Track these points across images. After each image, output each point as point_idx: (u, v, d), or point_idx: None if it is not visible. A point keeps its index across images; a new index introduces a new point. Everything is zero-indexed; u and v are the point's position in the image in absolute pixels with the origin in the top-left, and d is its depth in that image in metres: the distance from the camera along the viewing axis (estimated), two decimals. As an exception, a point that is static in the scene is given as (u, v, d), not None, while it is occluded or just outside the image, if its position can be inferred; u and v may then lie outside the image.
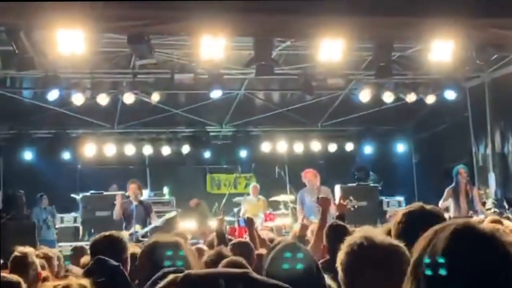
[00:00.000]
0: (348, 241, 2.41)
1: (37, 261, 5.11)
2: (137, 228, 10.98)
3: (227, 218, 13.44)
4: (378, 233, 2.48)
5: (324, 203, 6.73)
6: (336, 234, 4.82)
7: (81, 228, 13.13)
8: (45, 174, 13.79)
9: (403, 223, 2.75)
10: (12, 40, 8.93)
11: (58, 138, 14.04)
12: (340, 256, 2.40)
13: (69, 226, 13.29)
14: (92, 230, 12.11)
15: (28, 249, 4.88)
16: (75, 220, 13.38)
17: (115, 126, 14.29)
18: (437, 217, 2.78)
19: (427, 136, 15.07)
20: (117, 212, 11.22)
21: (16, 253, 4.95)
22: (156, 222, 11.25)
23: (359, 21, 9.19)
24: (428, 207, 2.93)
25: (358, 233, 2.43)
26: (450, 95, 13.15)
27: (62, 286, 2.72)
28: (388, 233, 2.71)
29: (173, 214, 12.20)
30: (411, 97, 13.38)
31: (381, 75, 11.25)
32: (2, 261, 8.04)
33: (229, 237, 9.43)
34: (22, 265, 4.78)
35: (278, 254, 2.75)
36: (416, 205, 2.92)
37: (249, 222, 7.69)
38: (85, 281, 2.82)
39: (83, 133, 14.33)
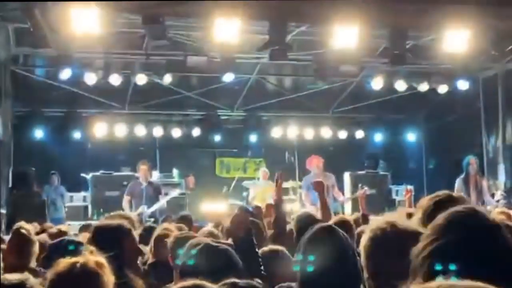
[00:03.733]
0: (371, 226, 2.42)
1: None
2: (144, 208, 11.06)
3: (236, 202, 13.50)
4: (400, 219, 2.48)
5: (318, 186, 6.79)
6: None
7: (90, 207, 13.19)
8: (56, 153, 13.86)
9: (431, 210, 2.74)
10: (27, 18, 8.96)
11: (69, 117, 14.09)
12: (363, 240, 2.41)
13: (78, 205, 13.35)
14: (101, 210, 12.17)
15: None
16: (84, 199, 13.44)
17: (126, 107, 14.31)
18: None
19: (438, 126, 15.01)
20: (125, 201, 11.29)
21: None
22: (161, 202, 11.31)
23: (375, 8, 9.16)
24: (455, 195, 2.93)
25: (381, 219, 2.43)
26: (463, 85, 13.11)
27: (80, 263, 2.72)
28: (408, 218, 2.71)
29: (176, 193, 12.26)
30: (423, 86, 13.35)
31: (395, 63, 11.23)
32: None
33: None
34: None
35: (314, 236, 2.75)
36: (444, 193, 2.92)
37: (257, 211, 7.70)
38: (101, 259, 2.83)
39: (94, 112, 14.36)
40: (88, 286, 2.70)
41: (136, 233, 4.88)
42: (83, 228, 7.97)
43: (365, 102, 14.69)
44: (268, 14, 9.44)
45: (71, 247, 3.55)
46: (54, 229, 6.17)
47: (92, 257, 2.82)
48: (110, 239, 3.55)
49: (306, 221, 5.23)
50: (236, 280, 2.29)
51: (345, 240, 2.81)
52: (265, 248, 4.32)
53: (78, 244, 3.63)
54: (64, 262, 2.73)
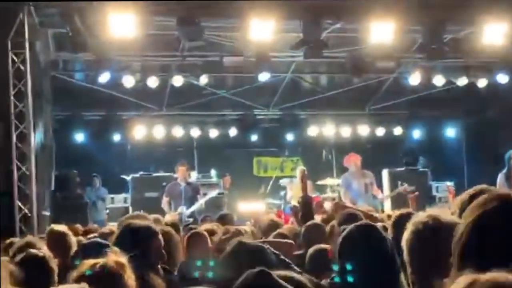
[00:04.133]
0: (413, 220, 2.40)
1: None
2: (183, 208, 11.17)
3: (274, 201, 13.53)
4: (444, 213, 2.46)
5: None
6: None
7: (130, 208, 13.35)
8: (96, 156, 14.08)
9: (466, 205, 2.71)
10: (66, 23, 9.12)
11: (109, 120, 14.28)
12: (405, 235, 2.39)
13: (119, 207, 13.53)
14: (141, 211, 12.30)
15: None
16: (125, 201, 13.62)
17: (164, 108, 14.45)
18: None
19: (478, 120, 14.78)
20: (164, 202, 11.42)
21: None
22: (199, 202, 11.40)
23: (411, 2, 9.08)
24: (493, 189, 2.89)
25: (422, 214, 2.42)
26: (502, 78, 12.89)
27: (100, 265, 2.81)
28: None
29: (215, 193, 12.36)
30: (462, 81, 13.17)
31: (432, 58, 11.11)
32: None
33: (277, 220, 9.48)
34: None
35: (352, 233, 2.75)
36: (479, 186, 2.89)
37: (295, 211, 7.72)
38: (123, 259, 2.90)
39: (133, 115, 14.53)
40: (108, 286, 2.78)
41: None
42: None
43: (403, 98, 14.55)
44: (302, 13, 9.44)
45: (98, 248, 3.65)
46: (106, 230, 6.29)
47: (113, 257, 2.90)
48: (137, 239, 3.62)
49: (348, 218, 5.22)
50: (294, 274, 2.30)
51: (383, 238, 2.79)
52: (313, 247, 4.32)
53: (105, 245, 3.73)
54: (86, 263, 2.83)
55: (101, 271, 2.79)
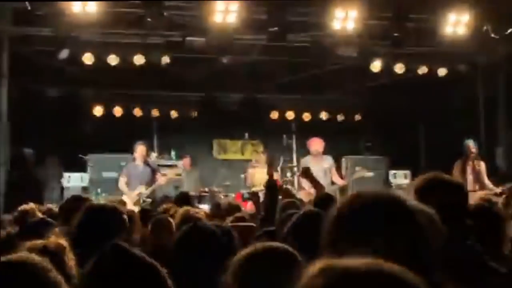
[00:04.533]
0: None
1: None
2: (142, 189, 11.11)
3: (233, 184, 13.52)
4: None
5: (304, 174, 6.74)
6: None
7: (88, 188, 13.18)
8: (54, 134, 13.80)
9: (421, 189, 2.75)
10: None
11: (68, 98, 14.04)
12: None
13: (76, 186, 13.32)
14: (99, 190, 12.20)
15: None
16: (82, 180, 13.41)
17: (124, 87, 14.25)
18: (457, 187, 2.81)
19: (437, 109, 14.99)
20: (121, 182, 11.30)
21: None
22: (158, 182, 11.35)
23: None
24: (446, 177, 2.93)
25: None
26: (462, 68, 13.09)
27: (39, 247, 2.77)
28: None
29: (173, 174, 12.34)
30: (423, 69, 13.32)
31: (394, 46, 11.21)
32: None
33: (236, 203, 9.50)
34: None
35: (302, 220, 2.76)
36: (435, 173, 2.92)
37: (254, 197, 7.74)
38: (63, 241, 2.88)
39: (92, 93, 14.31)
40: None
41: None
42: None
43: (364, 85, 14.66)
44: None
45: (42, 228, 3.58)
46: (53, 207, 6.20)
47: (53, 239, 2.87)
48: (104, 221, 3.54)
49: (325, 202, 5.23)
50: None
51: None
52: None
53: (50, 224, 3.66)
54: (27, 244, 2.80)
55: (40, 252, 2.74)
